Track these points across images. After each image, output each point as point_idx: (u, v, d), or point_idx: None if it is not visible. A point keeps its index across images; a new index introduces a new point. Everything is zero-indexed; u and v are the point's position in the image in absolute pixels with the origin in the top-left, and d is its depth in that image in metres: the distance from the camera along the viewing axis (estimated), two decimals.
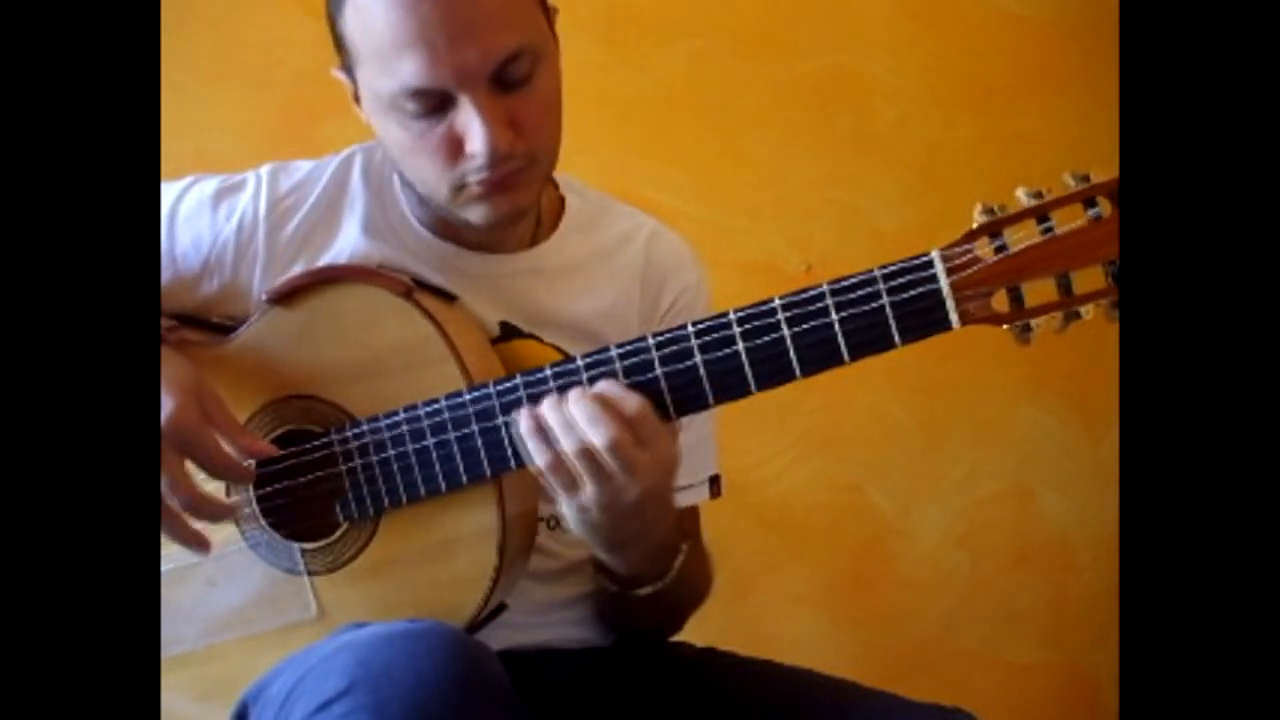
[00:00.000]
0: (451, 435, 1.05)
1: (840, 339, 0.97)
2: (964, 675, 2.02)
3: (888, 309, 0.96)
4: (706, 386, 1.00)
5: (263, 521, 1.11)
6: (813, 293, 0.97)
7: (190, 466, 1.02)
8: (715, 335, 0.99)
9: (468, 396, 1.05)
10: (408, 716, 0.86)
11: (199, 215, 1.16)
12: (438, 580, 1.06)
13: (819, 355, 0.98)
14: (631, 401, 0.99)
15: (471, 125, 1.02)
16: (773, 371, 0.99)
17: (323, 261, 1.15)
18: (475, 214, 1.09)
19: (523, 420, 1.00)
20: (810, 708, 1.09)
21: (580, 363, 1.02)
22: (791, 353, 0.98)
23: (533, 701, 0.97)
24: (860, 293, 0.96)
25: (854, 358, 0.97)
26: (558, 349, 1.17)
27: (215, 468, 1.03)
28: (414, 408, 1.06)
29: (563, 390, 1.02)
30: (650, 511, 1.03)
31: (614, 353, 1.01)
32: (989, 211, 0.95)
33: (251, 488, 1.10)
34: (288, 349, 1.10)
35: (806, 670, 1.16)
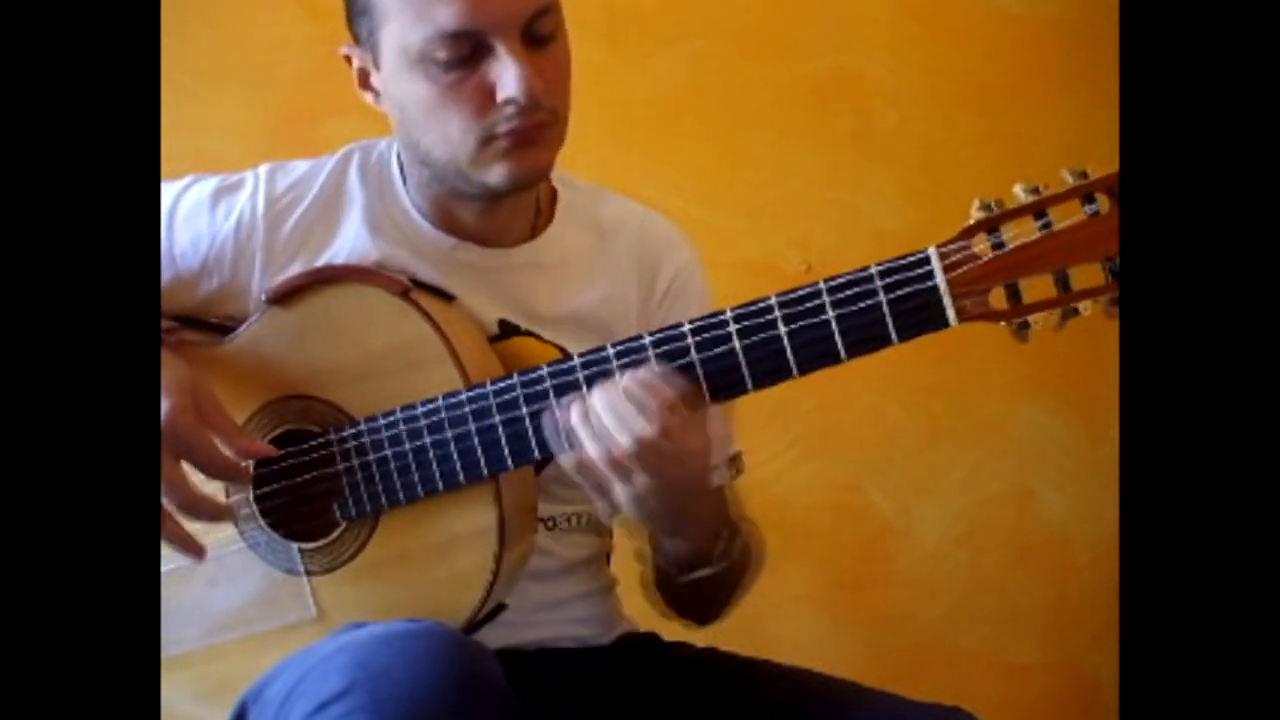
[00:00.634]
0: (449, 435, 1.05)
1: (837, 336, 0.97)
2: (964, 675, 2.01)
3: (884, 306, 0.96)
4: (703, 385, 1.00)
5: (261, 521, 1.11)
6: (809, 290, 0.97)
7: (188, 468, 1.02)
8: (711, 333, 0.99)
9: (465, 396, 1.05)
10: (405, 717, 0.86)
11: (198, 215, 1.16)
12: (436, 580, 1.06)
13: (816, 353, 0.98)
14: (676, 384, 0.98)
15: (506, 71, 1.04)
16: (769, 370, 0.99)
17: (322, 259, 1.15)
18: (497, 173, 1.09)
19: (572, 411, 0.99)
20: (810, 708, 1.09)
21: (577, 361, 1.02)
22: (788, 351, 0.98)
23: (531, 700, 0.97)
24: (856, 290, 0.96)
25: (851, 355, 0.97)
26: (556, 346, 1.17)
27: (211, 469, 1.03)
28: (412, 408, 1.06)
29: (559, 391, 1.02)
30: (696, 492, 1.03)
31: (610, 352, 1.01)
32: (986, 207, 0.95)
33: (250, 488, 1.10)
34: (286, 349, 1.11)
35: (807, 670, 1.16)
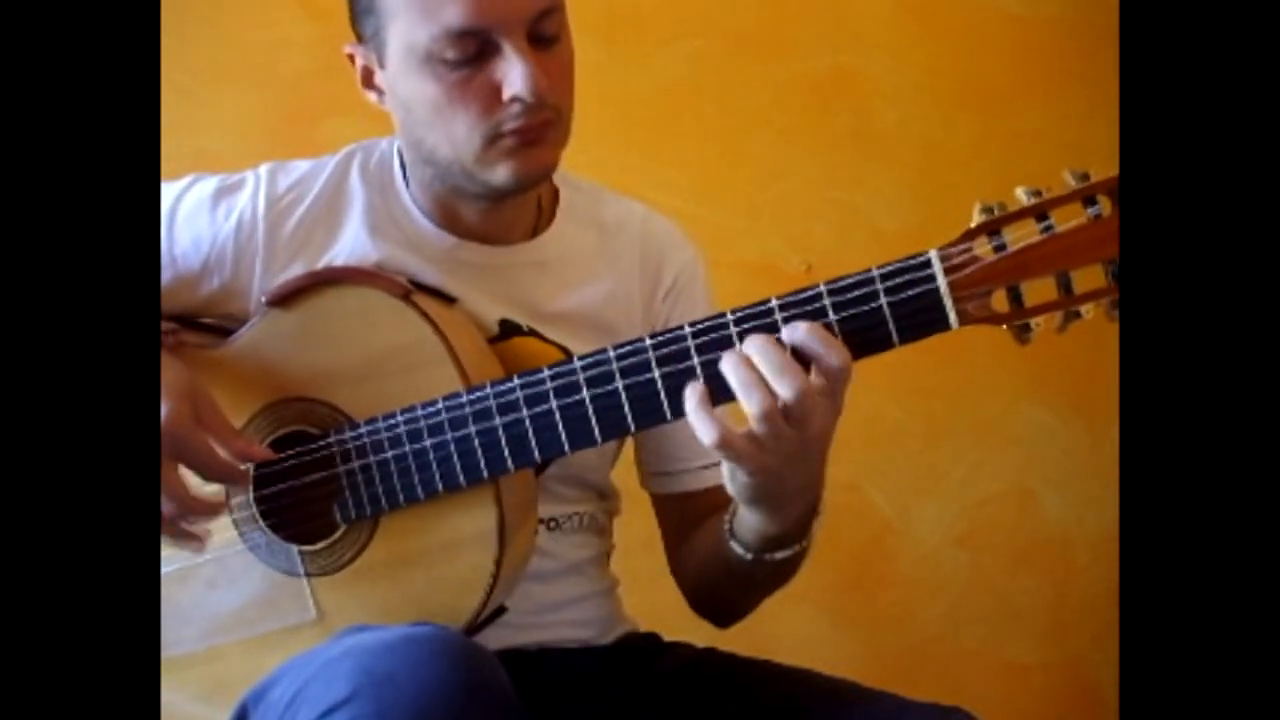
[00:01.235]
0: (449, 437, 1.05)
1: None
2: (964, 675, 2.01)
3: (885, 309, 0.95)
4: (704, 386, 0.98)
5: (261, 523, 1.10)
6: (810, 293, 0.97)
7: (186, 472, 1.02)
8: (713, 336, 0.99)
9: (465, 398, 1.04)
10: None
11: (198, 215, 1.16)
12: (437, 582, 1.06)
13: None
14: (835, 345, 0.94)
15: (513, 69, 1.04)
16: None
17: (324, 259, 1.15)
18: (502, 173, 1.09)
19: (726, 360, 0.95)
20: (810, 708, 1.09)
21: (578, 364, 1.02)
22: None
23: (532, 701, 0.97)
24: (858, 293, 0.96)
25: (852, 358, 0.97)
26: (558, 345, 1.17)
27: (209, 473, 1.03)
28: (412, 409, 1.06)
29: (559, 393, 1.01)
30: (818, 460, 1.00)
31: (611, 354, 1.01)
32: (988, 210, 0.94)
33: (250, 490, 1.10)
34: (286, 351, 1.11)
35: (807, 670, 1.16)
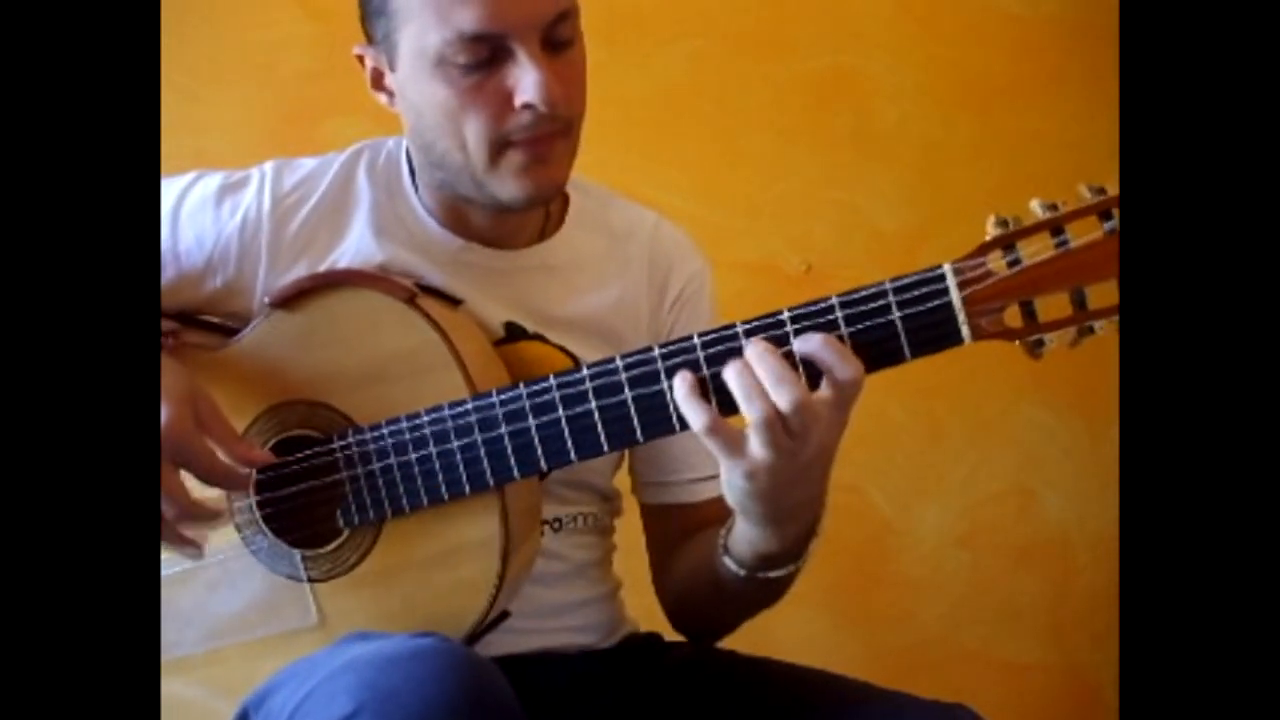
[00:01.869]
0: (454, 445, 1.04)
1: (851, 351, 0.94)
2: (964, 675, 2.01)
3: (898, 323, 0.94)
4: (712, 399, 0.96)
5: (263, 527, 1.10)
6: (821, 305, 0.95)
7: (187, 475, 1.02)
8: (722, 347, 0.97)
9: (471, 405, 1.03)
10: None
11: (202, 212, 1.15)
12: (440, 588, 1.05)
13: None
14: (845, 356, 0.94)
15: (526, 75, 1.03)
16: None
17: (329, 259, 1.14)
18: (509, 189, 1.08)
19: (730, 368, 0.95)
20: (813, 706, 1.09)
21: (586, 373, 1.01)
22: (800, 367, 0.95)
23: (533, 706, 0.96)
24: (870, 305, 0.94)
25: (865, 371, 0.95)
26: (564, 350, 1.16)
27: (210, 477, 1.03)
28: (417, 415, 1.05)
29: (565, 402, 1.00)
30: (819, 476, 1.00)
31: (619, 363, 1.00)
32: (1002, 224, 0.92)
33: (253, 493, 1.10)
34: (290, 354, 1.10)
35: (808, 668, 1.16)
